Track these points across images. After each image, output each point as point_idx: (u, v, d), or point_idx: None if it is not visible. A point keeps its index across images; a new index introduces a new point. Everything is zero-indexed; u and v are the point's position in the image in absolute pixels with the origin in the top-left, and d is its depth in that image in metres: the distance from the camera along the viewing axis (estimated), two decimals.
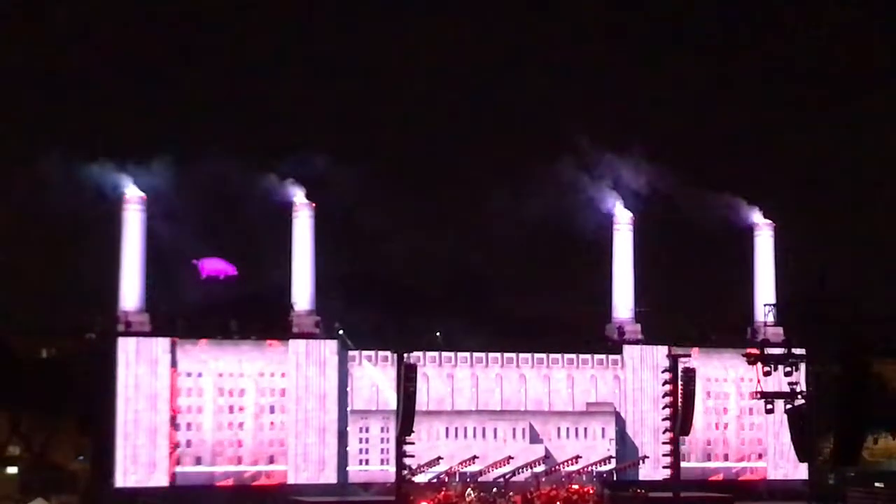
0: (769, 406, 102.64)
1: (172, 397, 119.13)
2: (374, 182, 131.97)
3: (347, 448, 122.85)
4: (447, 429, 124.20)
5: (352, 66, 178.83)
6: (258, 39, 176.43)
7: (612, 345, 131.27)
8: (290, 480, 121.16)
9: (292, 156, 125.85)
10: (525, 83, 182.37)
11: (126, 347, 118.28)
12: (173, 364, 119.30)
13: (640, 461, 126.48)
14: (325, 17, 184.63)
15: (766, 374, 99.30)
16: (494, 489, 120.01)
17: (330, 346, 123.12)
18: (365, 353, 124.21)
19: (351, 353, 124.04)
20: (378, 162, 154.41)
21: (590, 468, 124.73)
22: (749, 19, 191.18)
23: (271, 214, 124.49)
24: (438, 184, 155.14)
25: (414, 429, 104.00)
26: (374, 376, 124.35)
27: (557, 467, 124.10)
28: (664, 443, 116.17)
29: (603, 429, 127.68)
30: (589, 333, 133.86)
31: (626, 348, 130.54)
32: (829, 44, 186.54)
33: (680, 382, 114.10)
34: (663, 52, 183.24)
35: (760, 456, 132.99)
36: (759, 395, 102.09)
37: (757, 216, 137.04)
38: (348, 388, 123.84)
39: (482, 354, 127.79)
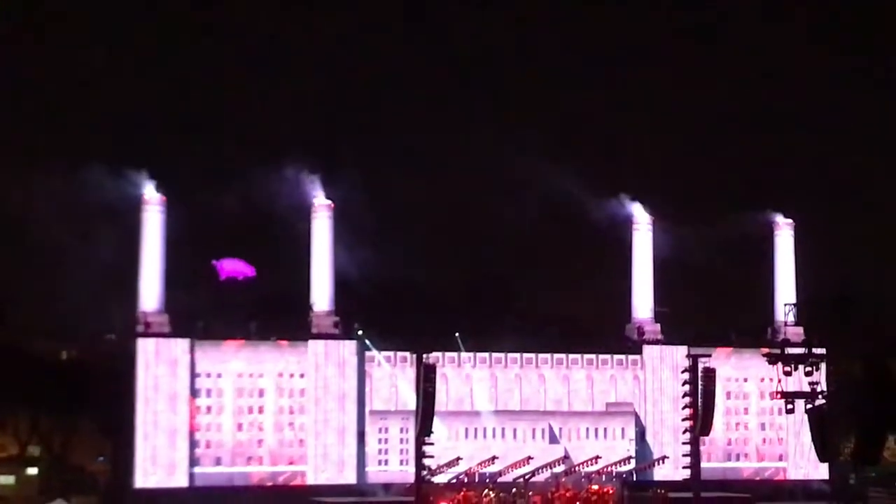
0: (790, 406, 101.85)
1: (192, 398, 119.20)
2: (391, 180, 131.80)
3: (367, 449, 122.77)
4: (466, 429, 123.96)
5: (362, 67, 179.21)
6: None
7: (631, 345, 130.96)
8: (310, 481, 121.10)
9: (309, 156, 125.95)
10: (548, 88, 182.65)
11: (145, 348, 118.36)
12: (192, 365, 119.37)
13: (660, 461, 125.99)
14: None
15: (787, 373, 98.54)
16: (514, 490, 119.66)
17: (349, 347, 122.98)
18: (384, 353, 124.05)
19: (369, 353, 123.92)
20: (394, 160, 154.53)
21: (609, 468, 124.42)
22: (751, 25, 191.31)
23: (290, 214, 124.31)
24: (456, 182, 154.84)
25: (433, 429, 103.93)
26: (394, 377, 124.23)
27: (577, 468, 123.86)
28: (684, 443, 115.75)
29: (623, 429, 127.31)
30: (608, 333, 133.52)
31: (646, 348, 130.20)
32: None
33: (700, 382, 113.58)
34: (687, 62, 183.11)
35: (781, 456, 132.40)
36: (779, 395, 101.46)
37: (777, 216, 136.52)
38: (367, 389, 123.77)
39: (501, 355, 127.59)
